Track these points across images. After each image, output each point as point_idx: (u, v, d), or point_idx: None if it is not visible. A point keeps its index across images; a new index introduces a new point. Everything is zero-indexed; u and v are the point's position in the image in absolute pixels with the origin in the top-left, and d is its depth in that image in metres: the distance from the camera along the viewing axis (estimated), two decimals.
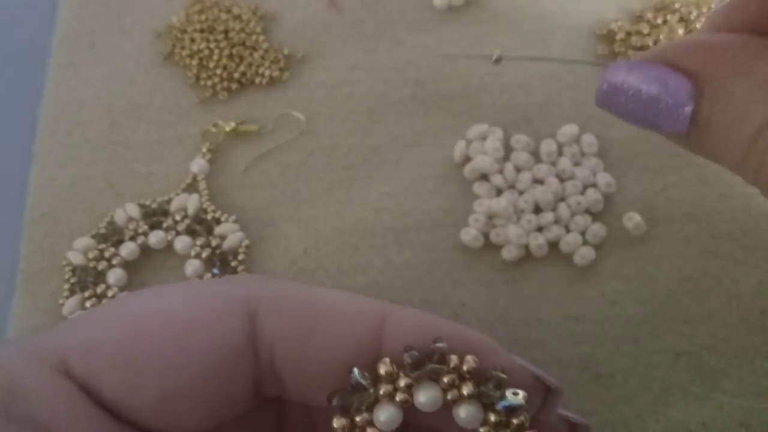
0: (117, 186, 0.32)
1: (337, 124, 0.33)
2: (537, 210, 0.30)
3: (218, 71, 0.34)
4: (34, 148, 0.33)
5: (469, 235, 0.30)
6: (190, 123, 0.33)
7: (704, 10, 0.35)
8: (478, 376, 0.16)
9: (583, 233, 0.30)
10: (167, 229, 0.30)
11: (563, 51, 0.34)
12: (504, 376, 0.16)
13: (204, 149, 0.32)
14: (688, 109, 0.18)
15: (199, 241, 0.30)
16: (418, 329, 0.17)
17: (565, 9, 0.35)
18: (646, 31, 0.34)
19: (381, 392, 0.16)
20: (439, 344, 0.16)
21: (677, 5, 0.35)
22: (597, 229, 0.30)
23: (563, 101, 0.33)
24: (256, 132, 0.33)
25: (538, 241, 0.29)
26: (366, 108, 0.33)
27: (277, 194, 0.32)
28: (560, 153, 0.32)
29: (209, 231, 0.30)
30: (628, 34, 0.34)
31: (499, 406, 0.16)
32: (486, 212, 0.30)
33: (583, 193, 0.31)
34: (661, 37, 0.34)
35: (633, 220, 0.29)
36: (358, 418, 0.16)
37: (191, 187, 0.32)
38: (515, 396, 0.16)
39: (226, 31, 0.35)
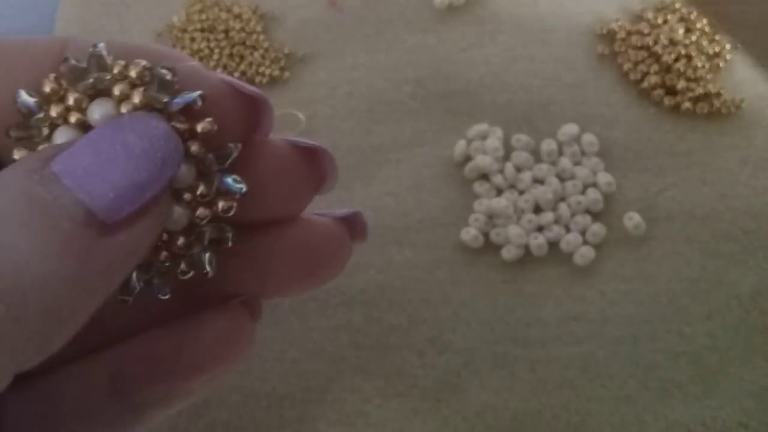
0: None
1: (338, 123, 0.33)
2: (537, 210, 0.30)
3: (218, 71, 0.34)
4: None
5: (469, 234, 0.30)
6: None
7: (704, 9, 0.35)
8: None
9: (583, 233, 0.30)
10: None
11: (563, 51, 0.34)
12: (171, 75, 0.15)
13: None
14: None
15: None
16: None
17: (565, 9, 0.35)
18: (646, 31, 0.34)
19: (53, 114, 0.15)
20: (95, 49, 0.15)
21: (677, 5, 0.35)
22: (597, 229, 0.30)
23: (563, 101, 0.33)
24: None
25: (538, 241, 0.29)
26: (366, 108, 0.33)
27: None
28: (560, 153, 0.32)
29: None
30: (628, 33, 0.34)
31: (173, 105, 0.14)
32: (486, 212, 0.30)
33: (583, 192, 0.31)
34: (661, 36, 0.34)
35: (633, 220, 0.29)
36: (40, 148, 0.15)
37: None
38: (186, 93, 0.14)
39: (226, 31, 0.35)
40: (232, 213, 0.15)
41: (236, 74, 0.34)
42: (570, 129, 0.32)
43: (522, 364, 0.28)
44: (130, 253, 0.14)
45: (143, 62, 0.15)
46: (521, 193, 0.31)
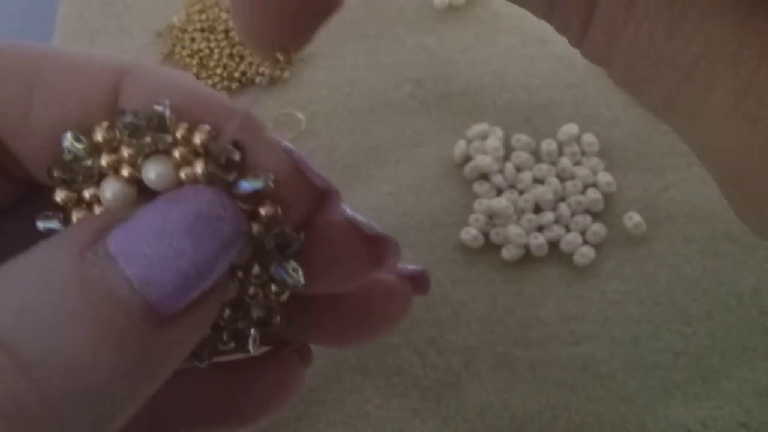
0: None
1: (338, 123, 0.33)
2: (537, 210, 0.30)
3: (219, 71, 0.34)
4: None
5: (469, 234, 0.30)
6: None
7: None
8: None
9: (583, 233, 0.30)
10: None
11: (563, 50, 0.34)
12: (238, 154, 0.14)
13: None
14: None
15: None
16: (158, 88, 0.14)
17: None
18: None
19: (103, 163, 0.13)
20: (158, 108, 0.14)
21: None
22: (597, 229, 0.30)
23: (563, 101, 0.33)
24: None
25: (538, 241, 0.29)
26: (366, 108, 0.33)
27: None
28: (560, 152, 0.32)
29: None
30: None
31: (240, 189, 0.13)
32: (486, 212, 0.30)
33: (583, 192, 0.31)
34: None
35: (633, 220, 0.29)
36: (86, 193, 0.14)
37: None
38: (256, 179, 0.13)
39: (226, 31, 0.35)
40: (284, 298, 0.14)
41: (236, 74, 0.34)
42: (570, 129, 0.32)
43: (522, 364, 0.28)
44: (186, 344, 0.13)
45: (207, 128, 0.14)
46: (521, 193, 0.31)
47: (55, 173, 0.14)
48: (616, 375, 0.27)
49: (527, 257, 0.30)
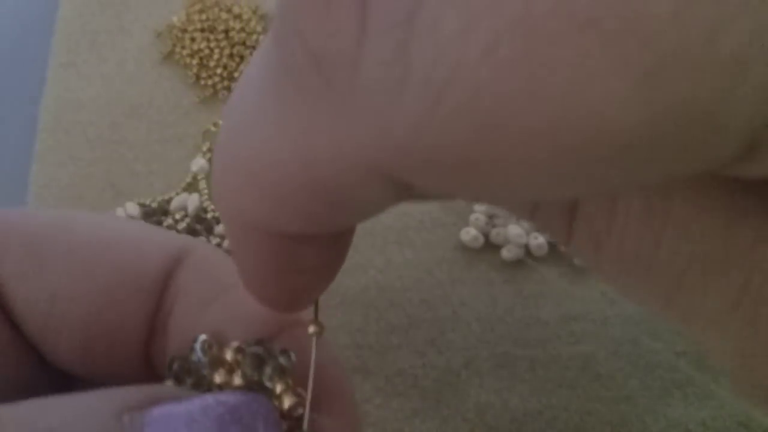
0: (117, 185, 0.32)
1: None
2: None
3: (219, 71, 0.34)
4: (35, 147, 0.33)
5: (469, 234, 0.30)
6: (190, 122, 0.33)
7: None
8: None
9: None
10: (167, 229, 0.30)
11: None
12: (261, 352, 0.15)
13: (204, 148, 0.32)
14: None
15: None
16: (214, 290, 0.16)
17: None
18: None
19: (216, 380, 0.15)
20: (283, 361, 0.15)
21: None
22: None
23: None
24: None
25: (538, 241, 0.29)
26: None
27: None
28: None
29: (209, 230, 0.30)
30: None
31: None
32: (486, 212, 0.30)
33: None
34: None
35: None
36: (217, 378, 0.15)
37: (191, 187, 0.32)
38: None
39: (226, 31, 0.35)
40: None
41: (236, 74, 0.34)
42: None
43: (522, 364, 0.28)
44: None
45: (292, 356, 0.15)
46: None
47: (174, 365, 0.15)
48: (616, 375, 0.27)
49: (527, 257, 0.30)
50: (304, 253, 0.14)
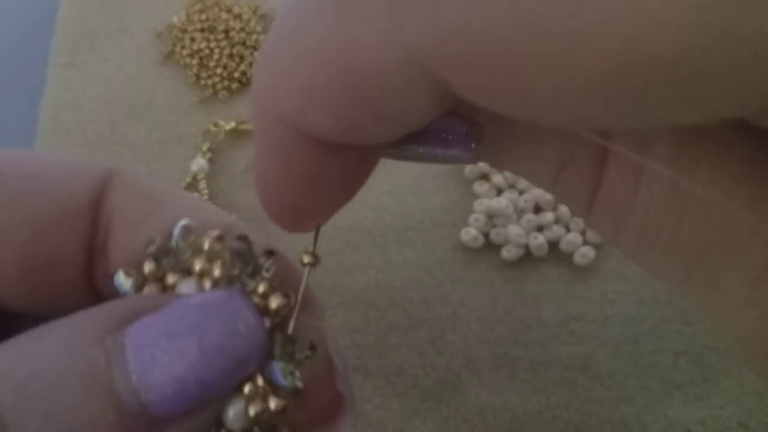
0: None
1: None
2: (537, 209, 0.30)
3: (218, 71, 0.34)
4: (35, 147, 0.33)
5: (469, 234, 0.30)
6: (190, 122, 0.33)
7: None
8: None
9: (583, 233, 0.30)
10: None
11: None
12: (242, 247, 0.15)
13: (204, 148, 0.32)
14: (472, 146, 0.15)
15: None
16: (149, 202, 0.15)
17: None
18: None
19: (196, 267, 0.14)
20: (265, 261, 0.15)
21: None
22: None
23: None
24: None
25: (538, 241, 0.29)
26: None
27: None
28: None
29: None
30: None
31: (274, 374, 0.14)
32: (486, 212, 0.30)
33: None
34: None
35: None
36: (169, 278, 0.15)
37: (191, 187, 0.32)
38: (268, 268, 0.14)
39: (226, 31, 0.35)
40: (285, 408, 0.14)
41: (236, 74, 0.34)
42: None
43: (522, 364, 0.28)
44: None
45: (216, 233, 0.14)
46: (521, 193, 0.31)
47: (154, 247, 0.15)
48: (616, 375, 0.27)
49: (527, 257, 0.30)
50: (329, 164, 0.13)
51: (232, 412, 0.13)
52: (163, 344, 0.12)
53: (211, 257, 0.14)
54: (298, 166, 0.13)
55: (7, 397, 0.11)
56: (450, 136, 0.14)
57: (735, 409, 0.26)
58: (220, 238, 0.15)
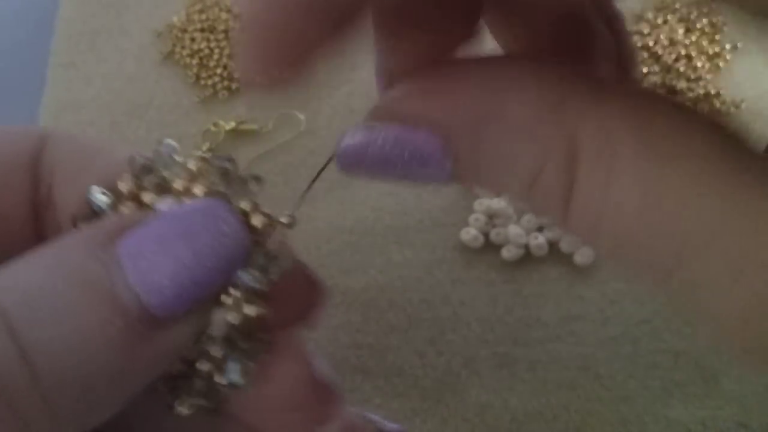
0: None
1: (338, 123, 0.33)
2: None
3: (218, 71, 0.34)
4: None
5: (469, 234, 0.30)
6: (190, 122, 0.33)
7: (704, 10, 0.35)
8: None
9: None
10: None
11: None
12: (229, 166, 0.15)
13: (204, 148, 0.32)
14: (448, 165, 0.15)
15: None
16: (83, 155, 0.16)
17: None
18: (646, 31, 0.34)
19: (177, 185, 0.15)
20: (162, 150, 0.15)
21: (677, 5, 0.35)
22: None
23: None
24: (256, 131, 0.33)
25: (538, 241, 0.29)
26: (366, 107, 0.33)
27: (277, 194, 0.31)
28: None
29: None
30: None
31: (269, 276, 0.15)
32: (486, 212, 0.30)
33: None
34: (661, 36, 0.34)
35: None
36: (145, 197, 0.15)
37: None
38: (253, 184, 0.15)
39: (226, 31, 0.35)
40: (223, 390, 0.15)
41: (236, 74, 0.34)
42: None
43: (522, 364, 0.28)
44: (174, 350, 0.13)
45: (198, 154, 0.15)
46: None
47: (138, 163, 0.15)
48: (616, 375, 0.27)
49: (527, 257, 0.30)
50: None
51: (214, 320, 0.14)
52: (157, 250, 0.13)
53: (195, 176, 0.15)
54: None
55: (15, 308, 0.12)
56: (426, 153, 0.14)
57: (735, 409, 0.26)
58: (203, 159, 0.15)
